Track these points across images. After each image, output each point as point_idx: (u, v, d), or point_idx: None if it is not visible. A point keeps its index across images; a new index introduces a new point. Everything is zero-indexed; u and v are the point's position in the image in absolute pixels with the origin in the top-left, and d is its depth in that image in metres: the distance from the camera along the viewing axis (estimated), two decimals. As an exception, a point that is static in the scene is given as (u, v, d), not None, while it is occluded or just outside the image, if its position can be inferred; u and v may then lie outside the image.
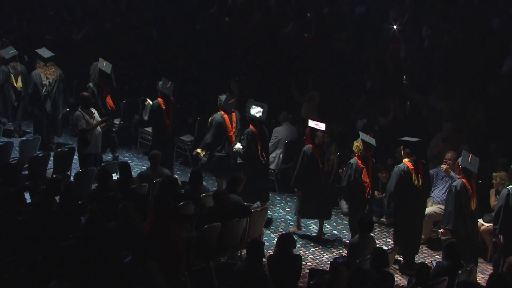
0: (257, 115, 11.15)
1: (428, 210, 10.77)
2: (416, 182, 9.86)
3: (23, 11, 17.48)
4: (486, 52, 14.05)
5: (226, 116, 11.50)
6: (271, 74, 15.21)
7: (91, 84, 12.71)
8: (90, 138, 11.42)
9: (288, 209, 12.02)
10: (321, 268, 10.00)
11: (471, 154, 9.58)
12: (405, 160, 9.95)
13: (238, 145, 11.38)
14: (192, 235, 9.19)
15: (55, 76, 13.10)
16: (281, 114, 12.69)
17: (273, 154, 12.39)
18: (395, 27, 15.07)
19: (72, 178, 11.09)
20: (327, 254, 10.63)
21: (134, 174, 11.12)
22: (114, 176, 10.66)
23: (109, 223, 8.76)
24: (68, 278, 7.35)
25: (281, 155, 12.38)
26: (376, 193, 10.88)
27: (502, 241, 9.46)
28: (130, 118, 13.82)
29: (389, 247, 10.33)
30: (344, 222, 11.50)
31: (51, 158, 11.53)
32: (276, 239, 10.40)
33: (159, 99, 11.97)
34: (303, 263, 9.44)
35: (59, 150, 12.04)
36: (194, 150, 11.96)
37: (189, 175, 10.56)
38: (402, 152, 10.04)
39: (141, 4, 18.04)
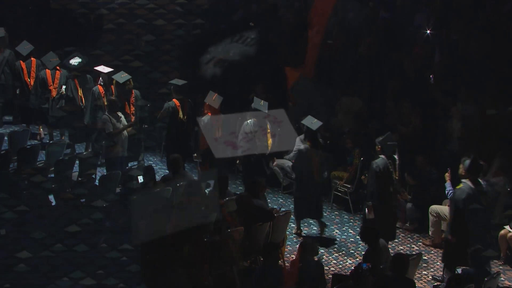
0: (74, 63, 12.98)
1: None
2: (181, 116, 12.18)
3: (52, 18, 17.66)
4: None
5: (49, 72, 13.15)
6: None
7: None
8: (117, 142, 11.51)
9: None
10: (344, 274, 9.95)
11: (216, 94, 11.84)
12: (174, 99, 12.21)
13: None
14: (215, 239, 9.20)
15: None
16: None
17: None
18: (428, 31, 15.07)
19: (96, 182, 11.18)
20: (350, 260, 10.58)
21: (157, 178, 11.16)
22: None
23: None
24: None
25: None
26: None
27: None
28: (155, 123, 13.85)
29: (413, 253, 10.27)
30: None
31: (77, 161, 11.63)
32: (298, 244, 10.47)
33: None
34: (326, 268, 9.41)
35: (84, 153, 12.13)
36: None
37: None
38: (172, 93, 12.27)
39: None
